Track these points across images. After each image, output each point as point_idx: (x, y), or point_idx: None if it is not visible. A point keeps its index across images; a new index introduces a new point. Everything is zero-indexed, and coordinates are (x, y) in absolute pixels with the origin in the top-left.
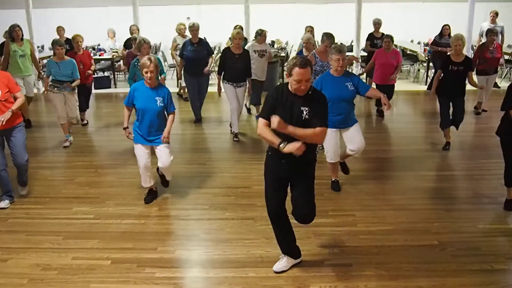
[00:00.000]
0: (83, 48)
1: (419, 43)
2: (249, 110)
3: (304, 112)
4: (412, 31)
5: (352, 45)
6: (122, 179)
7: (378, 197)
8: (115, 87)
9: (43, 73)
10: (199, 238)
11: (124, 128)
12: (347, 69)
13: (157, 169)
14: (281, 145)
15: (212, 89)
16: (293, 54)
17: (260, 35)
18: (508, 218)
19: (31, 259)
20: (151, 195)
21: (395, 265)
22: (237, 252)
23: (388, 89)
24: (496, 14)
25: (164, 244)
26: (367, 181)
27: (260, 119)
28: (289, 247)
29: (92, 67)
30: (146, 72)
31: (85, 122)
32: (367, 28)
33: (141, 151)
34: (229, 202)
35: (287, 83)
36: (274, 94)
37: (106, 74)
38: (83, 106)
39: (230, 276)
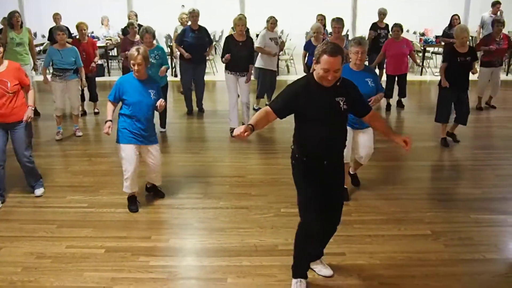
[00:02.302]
0: (88, 36)
1: (414, 33)
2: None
3: (341, 103)
4: (408, 21)
5: (348, 34)
6: (116, 168)
7: (371, 187)
8: (109, 75)
9: (38, 64)
10: (193, 227)
11: (107, 121)
12: None
13: (146, 186)
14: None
15: (208, 78)
16: (289, 43)
17: (268, 22)
18: (500, 208)
19: (25, 247)
20: (135, 203)
21: (388, 254)
22: (231, 241)
23: (400, 79)
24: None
25: (158, 233)
26: (361, 171)
27: (267, 107)
28: (307, 267)
29: (96, 58)
30: (134, 65)
31: (97, 111)
32: (363, 17)
33: (131, 152)
34: (223, 191)
35: (312, 74)
36: (297, 90)
37: (99, 62)
38: (93, 97)
39: (224, 265)
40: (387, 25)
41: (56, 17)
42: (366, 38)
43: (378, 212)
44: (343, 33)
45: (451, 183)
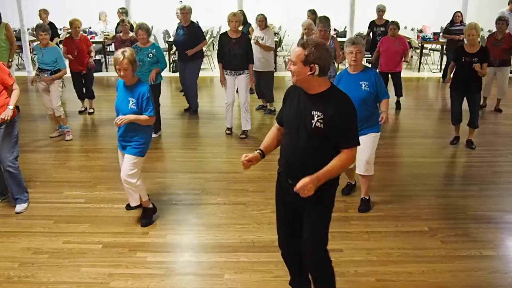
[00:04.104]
0: (80, 33)
1: (412, 29)
2: (265, 107)
3: (315, 118)
4: (405, 18)
5: (346, 31)
6: (114, 163)
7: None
8: (107, 71)
9: (11, 60)
10: (190, 223)
11: None
12: None
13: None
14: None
15: (206, 73)
16: (286, 40)
17: (256, 19)
18: (497, 205)
19: (22, 243)
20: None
21: (385, 250)
22: (228, 236)
23: (394, 78)
24: None
25: (156, 228)
26: None
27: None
28: (298, 284)
29: (92, 53)
30: (119, 70)
31: (92, 110)
32: (362, 14)
33: (120, 157)
34: (221, 187)
35: None
36: (287, 89)
37: (97, 57)
38: (89, 94)
39: (221, 261)
40: (387, 22)
41: (41, 12)
42: (365, 33)
43: (375, 209)
44: (342, 30)
45: (448, 180)
